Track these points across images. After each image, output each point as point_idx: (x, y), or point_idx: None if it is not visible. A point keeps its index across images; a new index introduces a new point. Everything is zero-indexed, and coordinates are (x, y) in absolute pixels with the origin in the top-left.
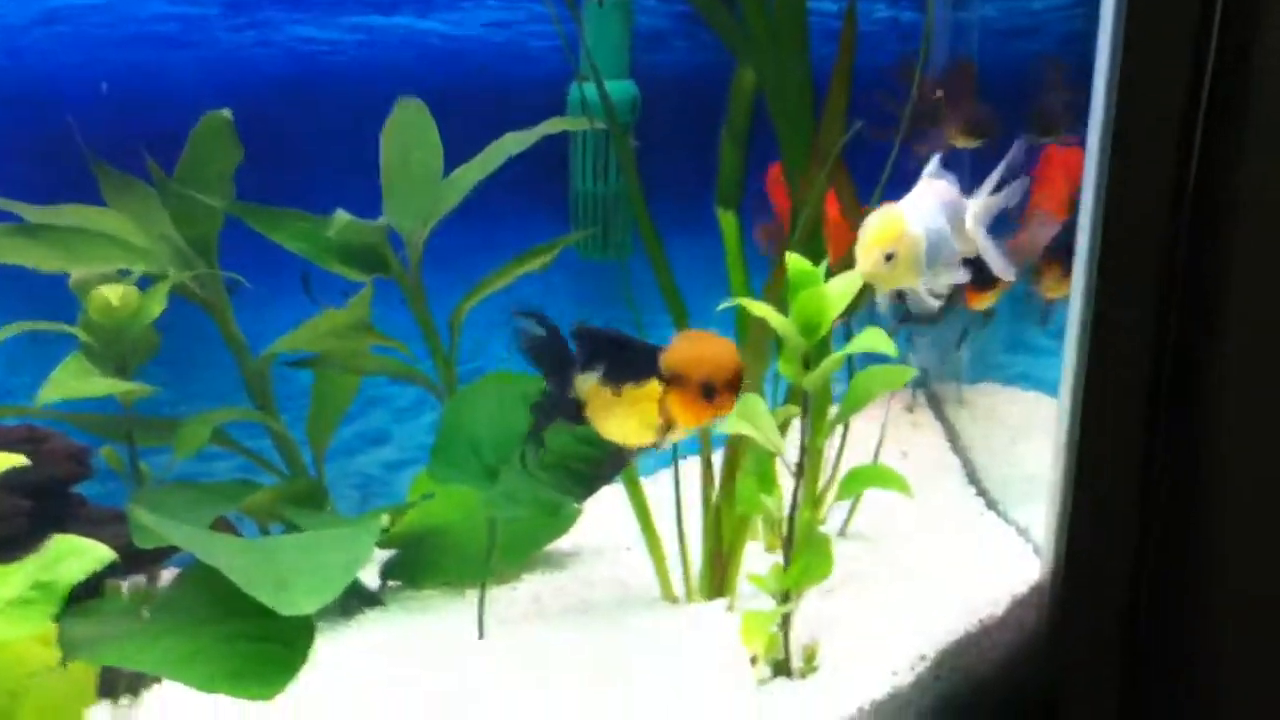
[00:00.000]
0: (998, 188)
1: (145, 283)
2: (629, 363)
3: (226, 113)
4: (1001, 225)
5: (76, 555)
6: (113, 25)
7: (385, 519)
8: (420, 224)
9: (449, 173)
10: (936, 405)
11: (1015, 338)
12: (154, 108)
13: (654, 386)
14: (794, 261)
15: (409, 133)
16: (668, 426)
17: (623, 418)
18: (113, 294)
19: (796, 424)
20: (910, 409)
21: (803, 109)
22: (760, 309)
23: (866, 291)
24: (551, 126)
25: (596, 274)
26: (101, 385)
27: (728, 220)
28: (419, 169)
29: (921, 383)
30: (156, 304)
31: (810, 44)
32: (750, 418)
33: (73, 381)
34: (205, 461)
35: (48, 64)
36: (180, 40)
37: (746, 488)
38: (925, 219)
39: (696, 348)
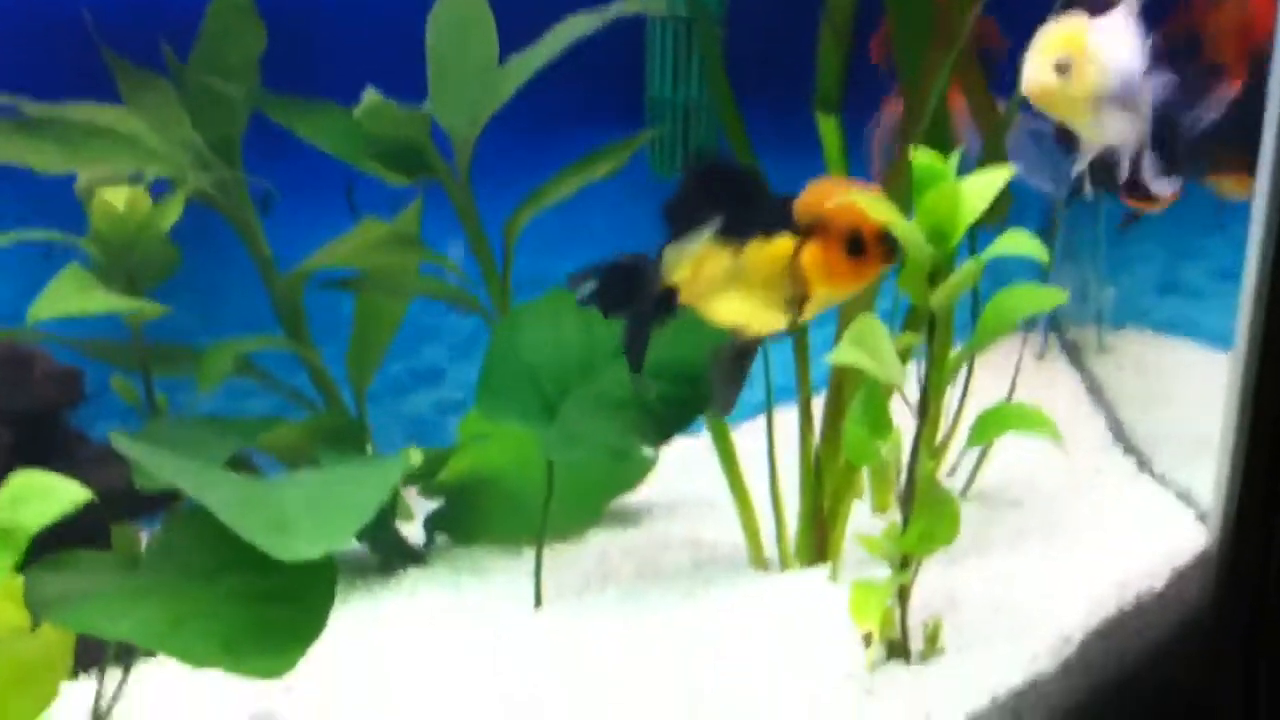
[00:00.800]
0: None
1: (163, 188)
2: (753, 212)
3: None
4: None
5: (42, 496)
6: None
7: (417, 456)
8: (471, 120)
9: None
10: (1074, 353)
11: (1167, 275)
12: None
13: (786, 242)
14: (919, 154)
15: (461, 12)
16: (802, 298)
17: (745, 287)
18: (118, 198)
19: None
20: (1042, 356)
21: None
22: (879, 207)
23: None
24: (627, 7)
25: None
26: (104, 301)
27: (828, 126)
28: (471, 56)
29: (1056, 326)
30: (171, 212)
31: None
32: (865, 343)
33: (70, 296)
34: (237, 399)
35: None
36: None
37: (856, 433)
38: (1116, 45)
39: (839, 191)
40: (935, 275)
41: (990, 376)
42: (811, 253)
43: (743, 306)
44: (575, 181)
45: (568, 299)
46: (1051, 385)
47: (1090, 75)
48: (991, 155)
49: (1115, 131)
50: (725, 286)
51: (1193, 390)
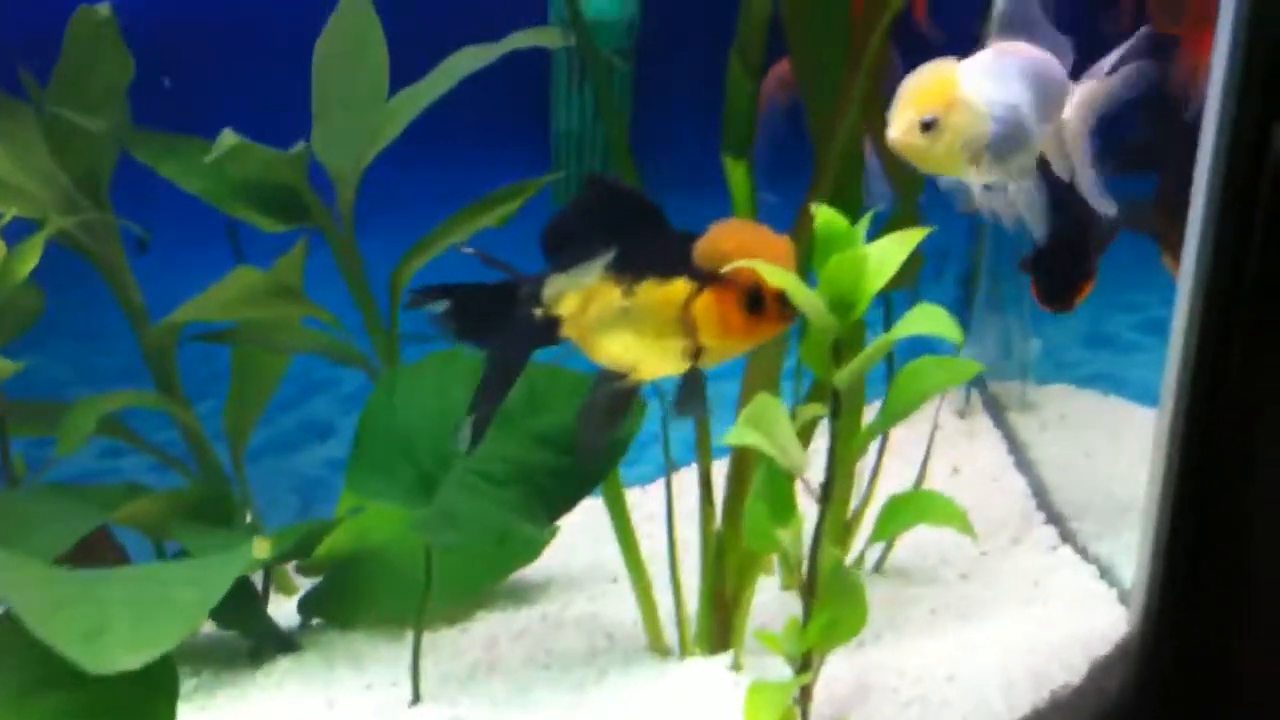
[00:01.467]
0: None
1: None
2: (652, 248)
3: (105, 10)
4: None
5: None
6: None
7: (264, 548)
8: (355, 159)
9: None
10: (996, 410)
11: (1095, 328)
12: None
13: (681, 287)
14: (823, 214)
15: (350, 42)
16: (695, 349)
17: (636, 329)
18: None
19: (823, 431)
20: (963, 414)
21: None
22: (778, 276)
23: None
24: (518, 41)
25: None
26: None
27: (737, 170)
28: (358, 89)
29: (978, 381)
30: (29, 258)
31: None
32: (761, 424)
33: None
34: (110, 456)
35: None
36: None
37: (756, 517)
38: (993, 86)
39: (744, 237)
40: (840, 348)
41: (908, 433)
42: (706, 303)
43: (632, 348)
44: (469, 227)
45: (451, 359)
46: (972, 445)
47: (964, 127)
48: (905, 212)
49: (1012, 176)
50: (616, 325)
51: (1119, 450)
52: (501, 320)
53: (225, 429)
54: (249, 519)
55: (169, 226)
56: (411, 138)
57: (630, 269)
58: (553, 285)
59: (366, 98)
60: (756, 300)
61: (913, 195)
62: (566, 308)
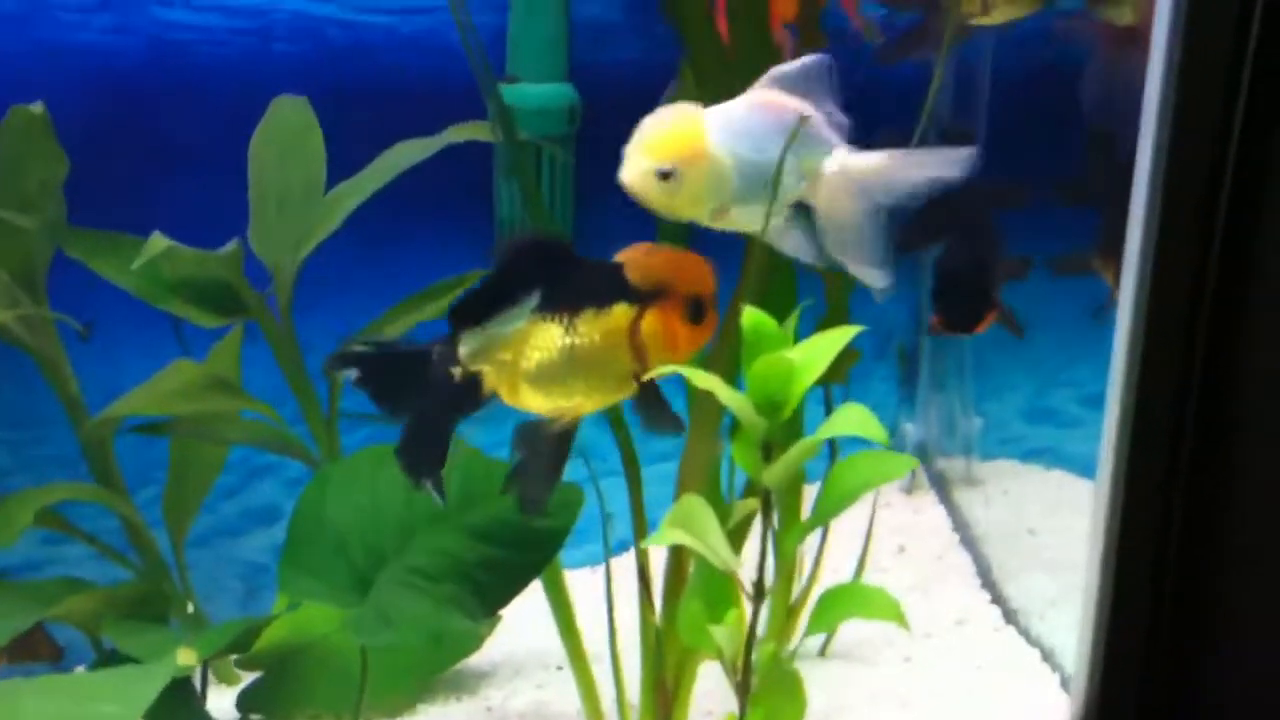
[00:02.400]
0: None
1: None
2: (580, 283)
3: (38, 108)
4: None
5: None
6: None
7: (189, 657)
8: (291, 252)
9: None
10: (941, 486)
11: (1037, 403)
12: None
13: (624, 311)
14: (750, 315)
15: (286, 138)
16: (640, 370)
17: (579, 364)
18: None
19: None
20: (909, 491)
21: None
22: (704, 379)
23: None
24: (453, 135)
25: None
26: None
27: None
28: (295, 183)
29: (923, 458)
30: None
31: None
32: (689, 524)
33: None
34: (52, 545)
35: None
36: (18, 21)
37: (691, 614)
38: (740, 138)
39: (670, 256)
40: (770, 448)
41: (853, 510)
42: (652, 322)
43: (575, 384)
44: (411, 317)
45: (386, 454)
46: (918, 521)
47: (706, 181)
48: (834, 312)
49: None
50: (555, 364)
51: (1061, 526)
52: (417, 385)
53: (165, 519)
54: (190, 609)
55: (113, 308)
56: (356, 220)
57: (561, 306)
58: (469, 342)
59: (303, 192)
60: (699, 310)
61: (840, 296)
62: (488, 362)
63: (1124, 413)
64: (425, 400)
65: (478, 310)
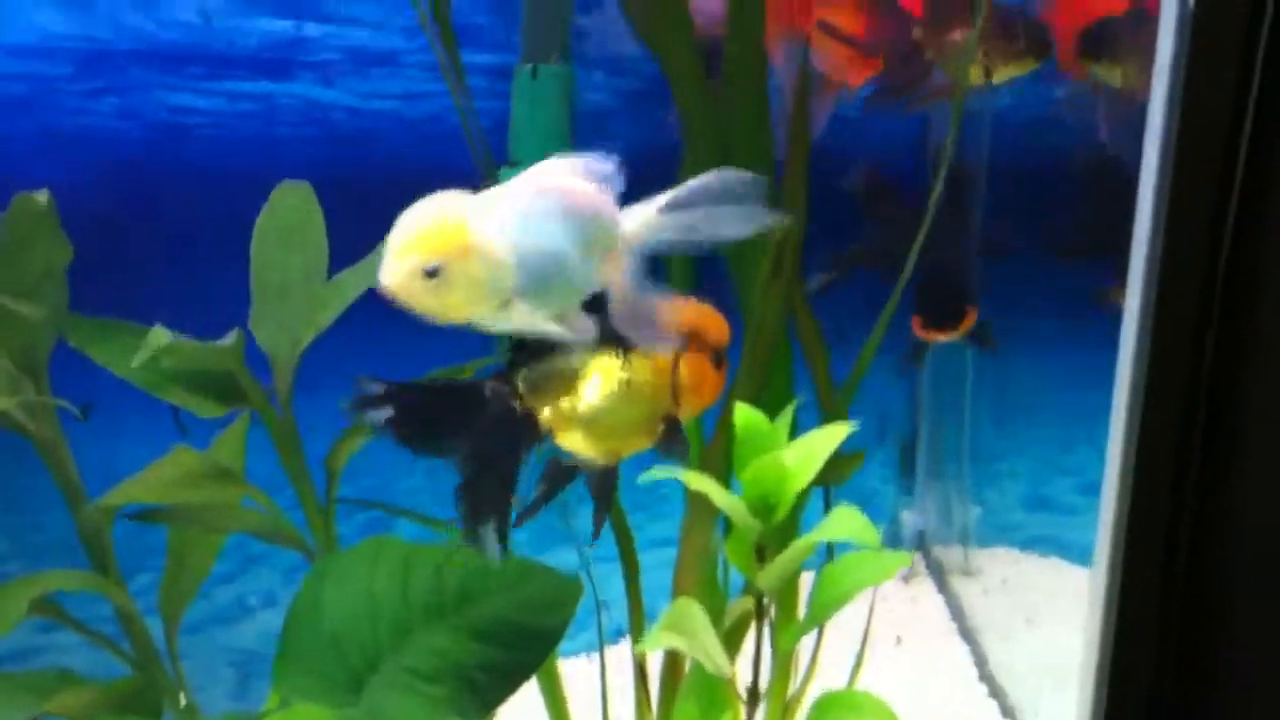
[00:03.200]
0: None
1: None
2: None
3: (43, 196)
4: None
5: None
6: None
7: None
8: (292, 342)
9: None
10: (939, 575)
11: (1035, 491)
12: None
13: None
14: (743, 413)
15: (288, 224)
16: (672, 413)
17: (631, 403)
18: None
19: None
20: (907, 579)
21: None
22: (698, 481)
23: None
24: None
25: None
26: None
27: None
28: (296, 270)
29: (922, 546)
30: None
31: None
32: (682, 628)
33: None
34: (45, 633)
35: None
36: (22, 104)
37: (686, 715)
38: (517, 224)
39: (695, 307)
40: (764, 550)
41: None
42: (688, 364)
43: (621, 424)
44: None
45: (385, 547)
46: (915, 611)
47: (476, 274)
48: (831, 414)
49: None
50: (609, 403)
51: (1058, 616)
52: (468, 424)
53: (160, 607)
54: (184, 702)
55: (112, 390)
56: (357, 309)
57: (617, 344)
58: (529, 378)
59: (304, 278)
60: (720, 359)
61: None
62: (544, 399)
63: (1120, 501)
64: (484, 439)
65: (536, 345)
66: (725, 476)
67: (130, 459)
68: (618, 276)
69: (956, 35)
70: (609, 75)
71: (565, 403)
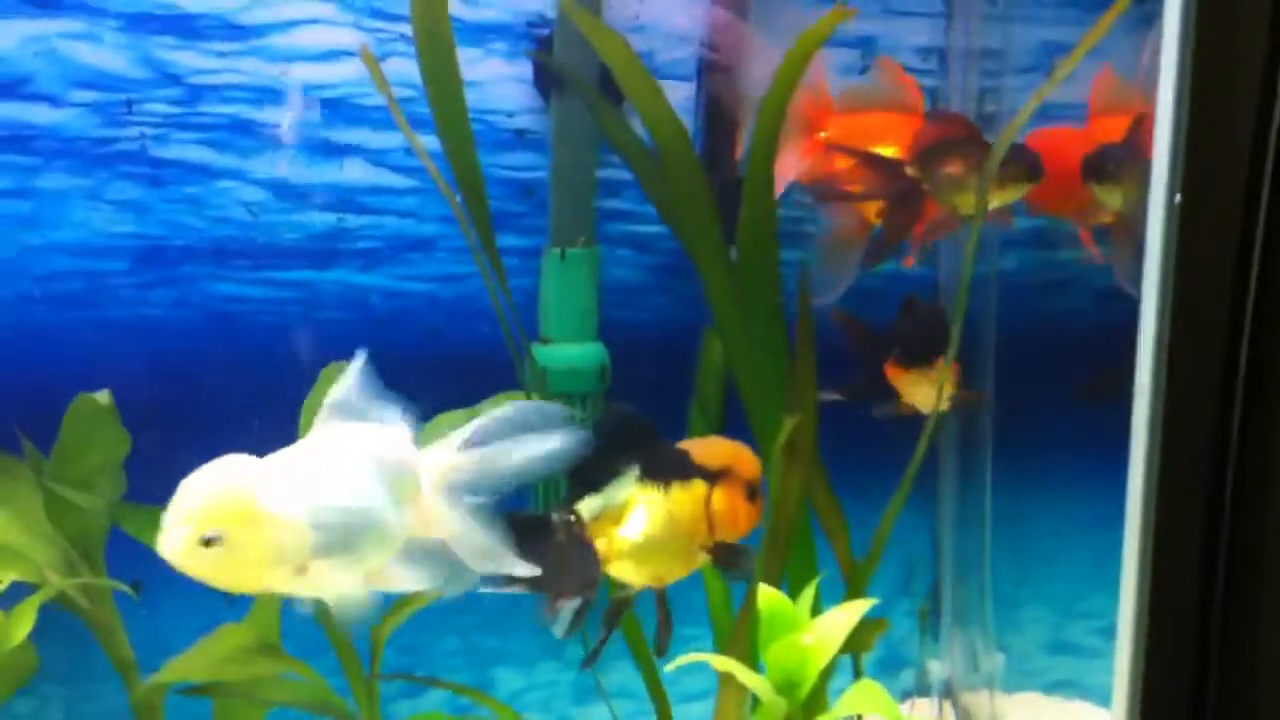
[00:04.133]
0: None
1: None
2: (663, 461)
3: (104, 396)
4: None
5: None
6: (4, 283)
7: None
8: None
9: None
10: None
11: (1056, 635)
12: (48, 374)
13: (701, 486)
14: (766, 596)
15: None
16: (711, 543)
17: (668, 534)
18: None
19: None
20: None
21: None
22: (724, 663)
23: None
24: (490, 407)
25: None
26: None
27: None
28: None
29: (948, 694)
30: (22, 625)
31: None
32: None
33: None
34: None
35: None
36: (80, 301)
37: None
38: (310, 486)
39: (727, 444)
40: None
41: None
42: (720, 498)
43: (660, 551)
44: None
45: None
46: None
47: (260, 543)
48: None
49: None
50: (648, 531)
51: None
52: (540, 553)
53: None
54: None
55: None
56: None
57: (658, 477)
58: (589, 506)
59: None
60: (753, 493)
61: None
62: (598, 529)
63: (1135, 644)
64: (571, 568)
65: (592, 478)
66: (753, 652)
67: (180, 629)
68: (435, 520)
69: (951, 169)
70: (636, 252)
71: (614, 532)
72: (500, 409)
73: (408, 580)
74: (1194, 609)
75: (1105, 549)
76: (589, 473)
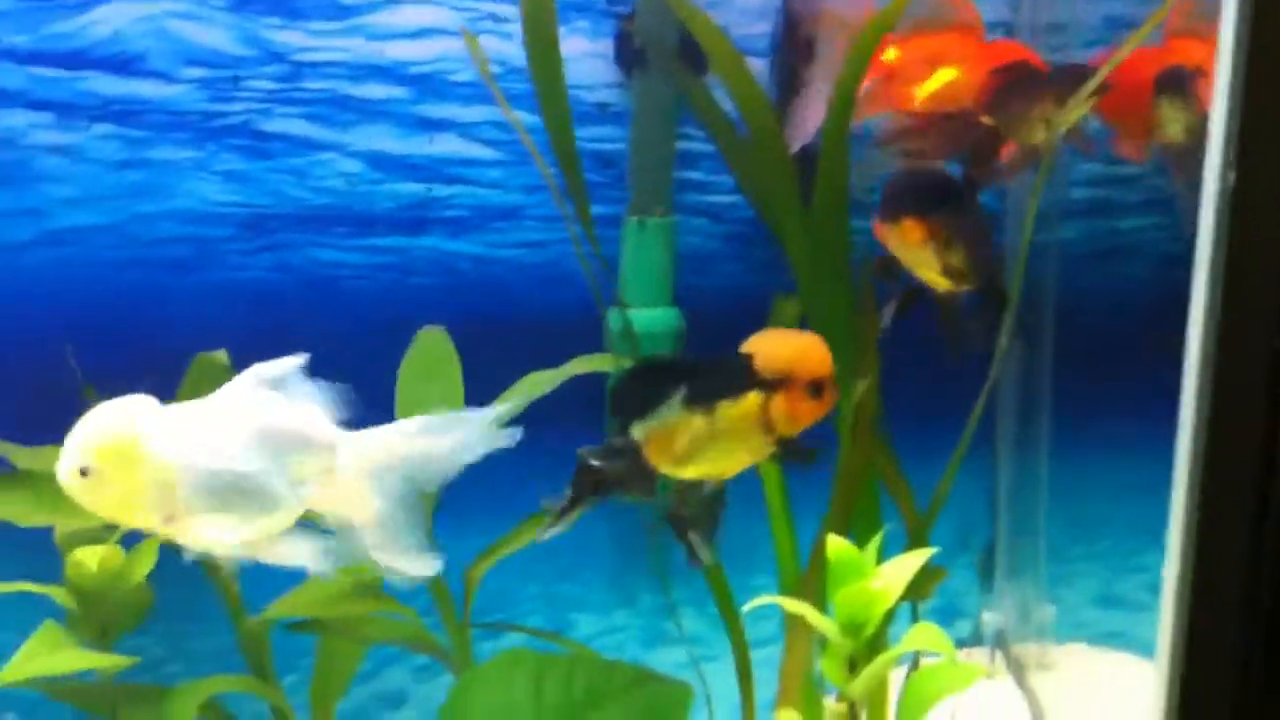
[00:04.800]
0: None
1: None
2: (714, 377)
3: (222, 355)
4: None
5: None
6: (119, 247)
7: None
8: None
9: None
10: (1019, 671)
11: (1107, 589)
12: (159, 334)
13: (753, 399)
14: (834, 545)
15: (428, 365)
16: (773, 439)
17: (720, 443)
18: (91, 558)
19: None
20: (990, 675)
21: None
22: (796, 606)
23: None
24: (578, 366)
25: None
26: (72, 660)
27: (769, 470)
28: (436, 410)
29: (1001, 644)
30: (143, 564)
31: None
32: None
33: (41, 657)
34: None
35: (49, 289)
36: (189, 264)
37: None
38: (192, 441)
39: (790, 345)
40: (855, 662)
41: None
42: (778, 404)
43: (716, 459)
44: (529, 535)
45: (520, 658)
46: (996, 708)
47: (140, 482)
48: (914, 539)
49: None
50: (701, 446)
51: (1133, 708)
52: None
53: (311, 707)
54: None
55: None
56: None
57: (702, 400)
58: (640, 431)
59: None
60: (819, 390)
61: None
62: (651, 445)
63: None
64: (634, 481)
65: (636, 405)
66: (823, 597)
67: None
68: (351, 501)
69: (1023, 110)
70: (711, 222)
71: (666, 446)
72: (434, 417)
73: (293, 557)
74: (1240, 569)
75: (1157, 509)
76: (633, 400)
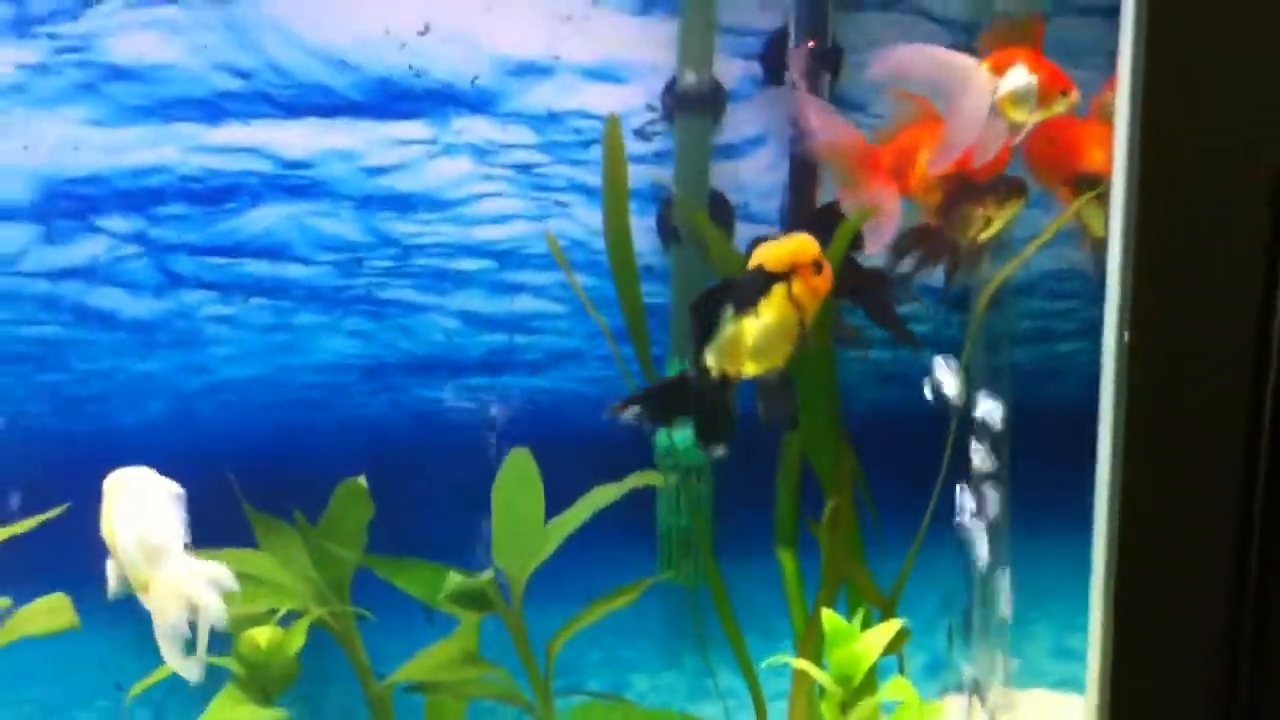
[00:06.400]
0: None
1: (289, 616)
2: (746, 288)
3: (361, 480)
4: None
5: None
6: (269, 392)
7: None
8: (521, 568)
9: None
10: (991, 713)
11: (1059, 643)
12: (301, 460)
13: (781, 290)
14: (828, 619)
15: (516, 483)
16: (804, 322)
17: (770, 334)
18: (261, 637)
19: None
20: (969, 716)
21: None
22: (802, 665)
23: None
24: (637, 481)
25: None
26: (248, 714)
27: (786, 559)
28: (523, 516)
29: (975, 690)
30: (297, 639)
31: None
32: None
33: (227, 710)
34: None
35: (214, 427)
36: (323, 404)
37: None
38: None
39: (785, 244)
40: (846, 705)
41: None
42: (798, 286)
43: (773, 344)
44: (603, 609)
45: (591, 711)
46: None
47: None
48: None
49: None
50: (758, 338)
51: None
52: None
53: None
54: None
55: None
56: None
57: (745, 306)
58: (708, 356)
59: (529, 523)
60: (818, 265)
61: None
62: (721, 358)
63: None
64: (707, 404)
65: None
66: (820, 653)
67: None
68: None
69: (966, 210)
70: None
71: (735, 352)
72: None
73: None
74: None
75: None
76: (695, 334)
